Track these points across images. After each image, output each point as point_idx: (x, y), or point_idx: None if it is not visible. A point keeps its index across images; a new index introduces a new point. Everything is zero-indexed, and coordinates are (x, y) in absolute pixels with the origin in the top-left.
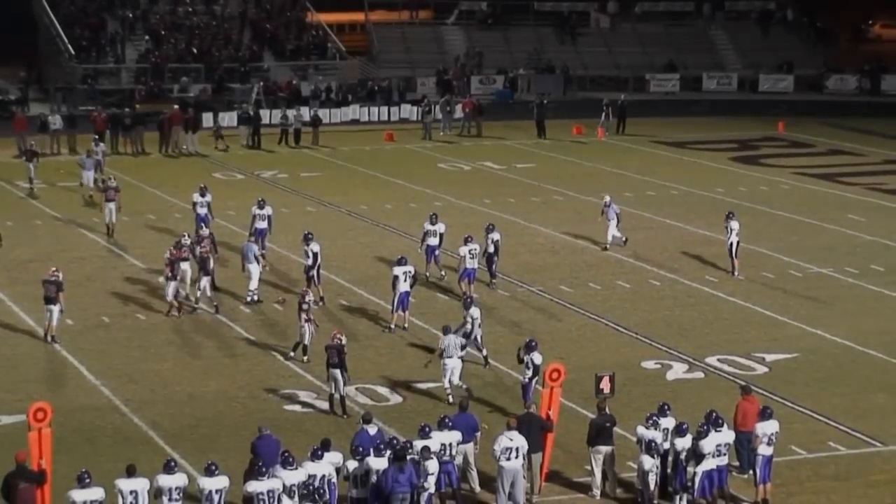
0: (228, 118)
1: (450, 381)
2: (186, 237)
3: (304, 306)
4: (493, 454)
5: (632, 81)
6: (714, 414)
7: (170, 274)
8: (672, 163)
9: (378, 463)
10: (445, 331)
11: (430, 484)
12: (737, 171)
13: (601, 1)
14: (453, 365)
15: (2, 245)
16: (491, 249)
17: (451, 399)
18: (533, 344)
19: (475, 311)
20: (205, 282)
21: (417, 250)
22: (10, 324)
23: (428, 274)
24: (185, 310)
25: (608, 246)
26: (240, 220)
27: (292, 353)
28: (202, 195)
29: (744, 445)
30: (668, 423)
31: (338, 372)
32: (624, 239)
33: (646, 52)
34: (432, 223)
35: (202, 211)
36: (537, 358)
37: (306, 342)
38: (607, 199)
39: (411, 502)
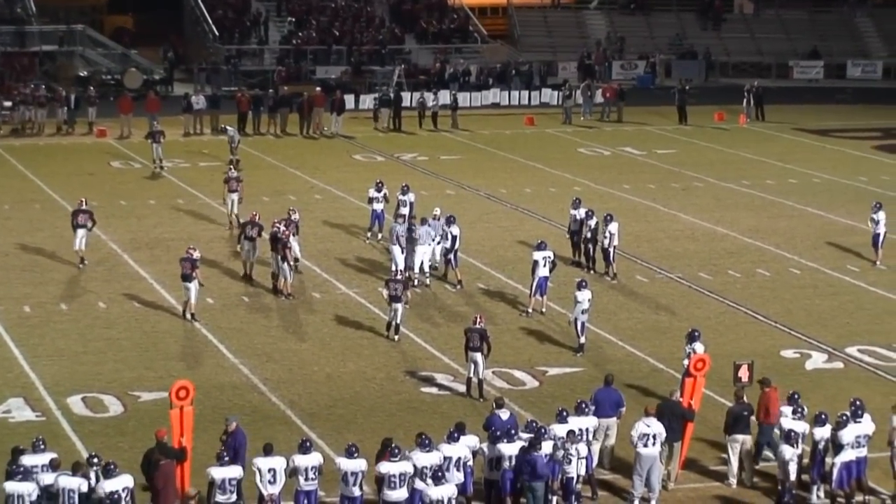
0: (369, 101)
1: (419, 269)
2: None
3: (393, 286)
4: (631, 440)
5: (775, 68)
6: (855, 403)
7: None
8: (815, 150)
9: (509, 449)
10: (423, 222)
11: (582, 468)
12: (881, 160)
13: None
14: (423, 251)
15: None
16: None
17: (416, 282)
18: (696, 335)
19: (581, 294)
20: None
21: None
22: (152, 301)
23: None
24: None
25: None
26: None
27: (387, 334)
28: (378, 190)
29: None
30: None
31: (478, 355)
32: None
33: (790, 38)
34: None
35: (378, 207)
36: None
37: (398, 321)
38: (437, 211)
39: (546, 489)
